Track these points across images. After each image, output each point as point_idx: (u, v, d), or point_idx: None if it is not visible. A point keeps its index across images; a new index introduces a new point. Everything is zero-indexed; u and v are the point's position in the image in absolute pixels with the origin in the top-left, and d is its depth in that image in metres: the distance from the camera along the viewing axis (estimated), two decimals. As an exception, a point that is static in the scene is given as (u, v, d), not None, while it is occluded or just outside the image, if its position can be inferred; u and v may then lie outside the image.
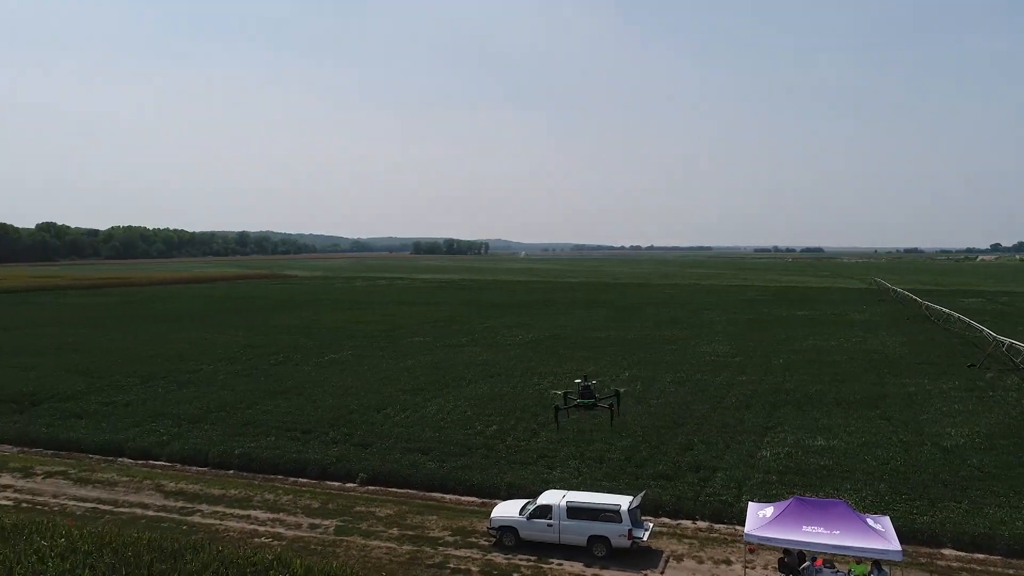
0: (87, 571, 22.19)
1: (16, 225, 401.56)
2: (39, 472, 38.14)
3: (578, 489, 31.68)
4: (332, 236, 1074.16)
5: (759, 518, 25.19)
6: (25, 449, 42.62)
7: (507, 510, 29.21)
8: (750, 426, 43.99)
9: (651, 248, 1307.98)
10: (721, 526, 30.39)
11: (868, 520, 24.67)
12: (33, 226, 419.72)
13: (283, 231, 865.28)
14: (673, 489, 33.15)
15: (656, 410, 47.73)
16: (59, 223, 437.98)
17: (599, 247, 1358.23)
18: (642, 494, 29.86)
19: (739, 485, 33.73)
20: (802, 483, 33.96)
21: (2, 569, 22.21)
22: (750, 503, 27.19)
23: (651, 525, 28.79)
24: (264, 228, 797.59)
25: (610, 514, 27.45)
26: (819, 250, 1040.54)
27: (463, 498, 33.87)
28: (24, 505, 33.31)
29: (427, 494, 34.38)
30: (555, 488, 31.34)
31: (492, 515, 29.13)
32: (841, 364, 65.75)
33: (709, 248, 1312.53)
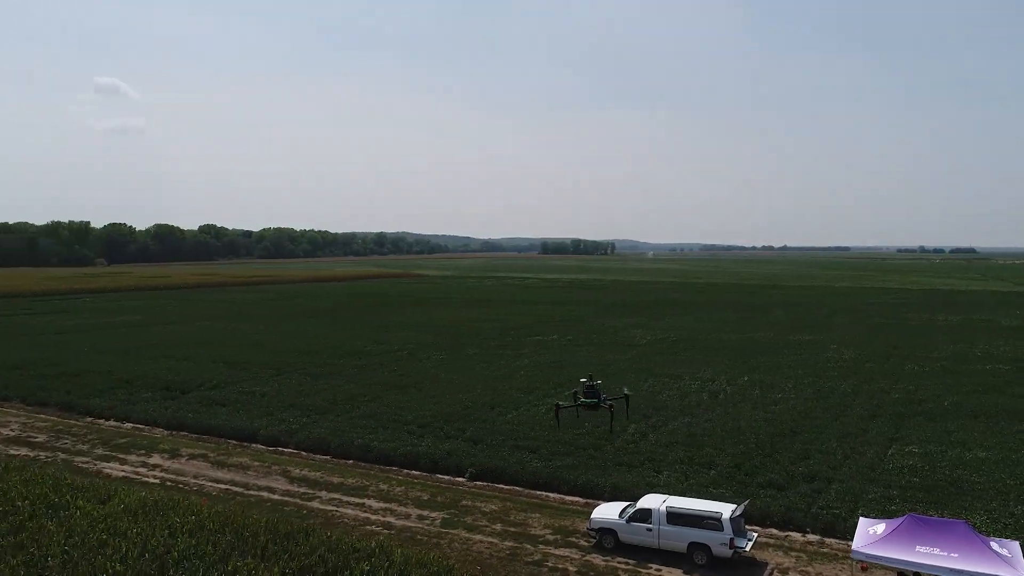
0: (209, 548, 23.75)
1: (182, 227, 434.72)
2: (184, 454, 41.06)
3: (683, 494, 30.94)
4: (463, 236, 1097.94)
5: (869, 535, 23.73)
6: (174, 432, 45.92)
7: (607, 512, 28.91)
8: (874, 437, 41.51)
9: (784, 248, 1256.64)
10: (832, 540, 28.80)
11: (992, 544, 22.72)
12: (196, 228, 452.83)
13: (418, 232, 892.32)
14: (783, 499, 31.73)
15: (773, 416, 45.90)
16: (218, 225, 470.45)
17: (730, 247, 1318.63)
18: (745, 503, 28.78)
19: (855, 499, 31.86)
20: (926, 500, 31.68)
21: (138, 542, 24.10)
22: (861, 518, 25.66)
23: (755, 535, 27.69)
24: (400, 229, 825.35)
25: (711, 521, 26.62)
26: (971, 251, 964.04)
27: (567, 497, 33.79)
28: (168, 484, 35.95)
29: (532, 492, 34.53)
30: (658, 492, 30.72)
31: (592, 516, 28.92)
32: (984, 373, 60.88)
33: (847, 248, 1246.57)
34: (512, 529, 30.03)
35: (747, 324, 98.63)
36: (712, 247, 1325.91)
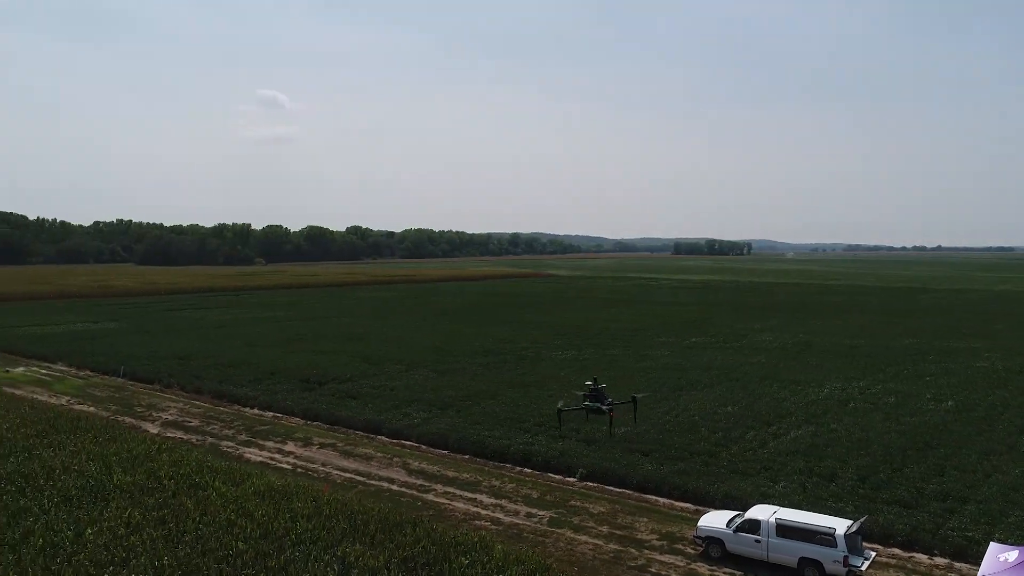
0: (324, 532, 24.90)
1: (331, 229, 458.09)
2: (316, 443, 43.19)
3: (799, 507, 29.42)
4: (596, 237, 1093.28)
5: (999, 562, 21.67)
6: (309, 422, 48.39)
7: (714, 520, 27.94)
8: (1022, 455, 37.90)
9: (938, 249, 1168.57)
10: (963, 566, 26.50)
11: None
12: (344, 229, 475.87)
13: (551, 232, 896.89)
14: (910, 518, 29.51)
15: (907, 428, 42.84)
16: (364, 226, 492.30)
17: (876, 248, 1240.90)
18: (863, 519, 26.97)
19: (992, 521, 29.18)
20: (1075, 526, 28.58)
21: (262, 524, 25.60)
22: (991, 543, 23.46)
23: (873, 554, 25.93)
24: (535, 230, 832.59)
25: (824, 537, 25.15)
26: None
27: (677, 503, 32.93)
28: (299, 470, 37.93)
29: (641, 495, 33.90)
30: (770, 503, 29.37)
31: (699, 524, 28.05)
32: None
33: (1011, 249, 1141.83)
34: (618, 532, 29.61)
35: (888, 329, 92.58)
36: (856, 247, 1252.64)
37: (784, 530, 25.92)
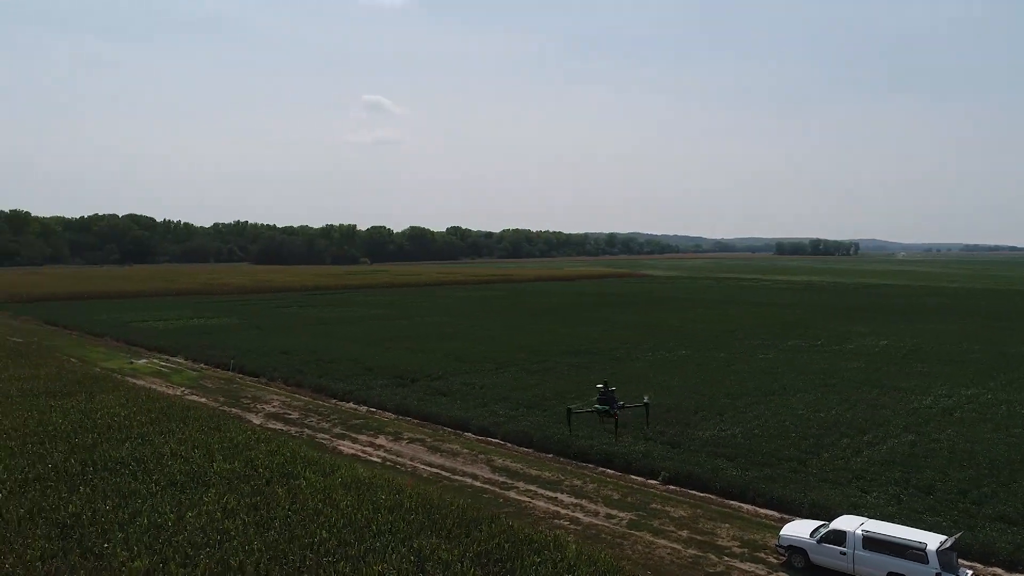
0: (403, 525, 25.42)
1: (432, 229, 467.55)
2: (405, 437, 44.14)
3: (891, 519, 27.89)
4: (695, 237, 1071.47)
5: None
6: (400, 417, 49.49)
7: (798, 529, 26.84)
8: None
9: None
10: (1073, 588, 24.52)
11: None
12: (444, 230, 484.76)
13: (649, 232, 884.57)
14: (1015, 535, 27.47)
15: (1018, 440, 39.97)
16: (463, 227, 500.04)
17: (996, 248, 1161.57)
18: (958, 535, 25.29)
19: (1110, 543, 26.83)
20: None
21: (346, 514, 26.38)
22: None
23: (970, 573, 24.25)
24: (632, 230, 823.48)
25: (915, 552, 23.73)
26: None
27: (761, 510, 31.81)
28: (387, 463, 38.85)
29: (724, 501, 32.94)
30: (862, 514, 27.95)
31: (782, 532, 27.01)
32: None
33: None
34: (698, 537, 28.89)
35: (1005, 335, 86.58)
36: (974, 248, 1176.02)
37: (871, 543, 24.63)
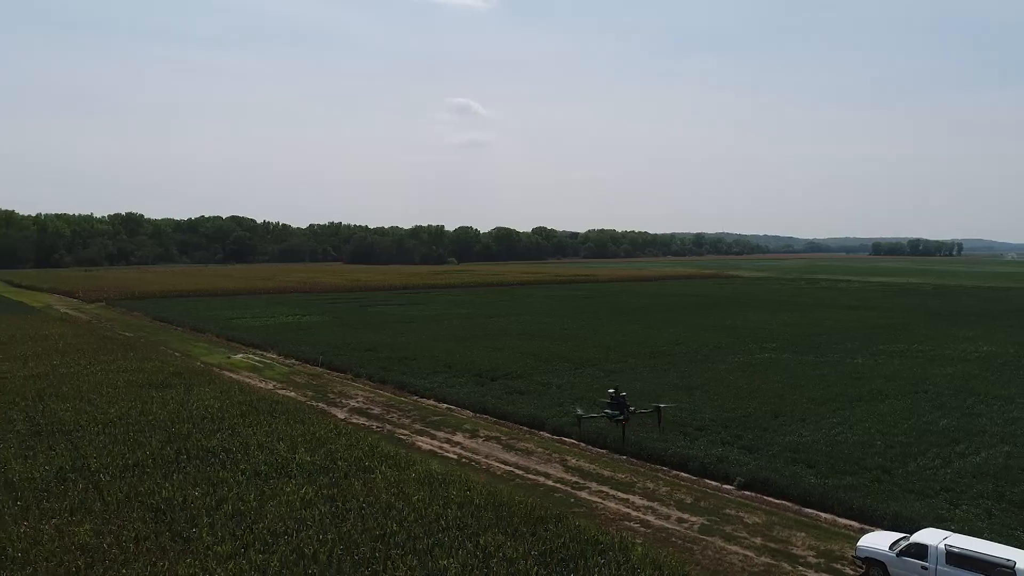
0: (472, 521, 25.70)
1: (518, 229, 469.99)
2: (482, 435, 44.55)
3: (979, 534, 26.30)
4: (786, 237, 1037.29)
5: None
6: (478, 415, 49.94)
7: (877, 541, 25.66)
8: None
9: None
10: None
11: None
12: (530, 230, 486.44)
13: (738, 232, 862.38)
14: (1121, 557, 25.45)
15: None
16: (548, 227, 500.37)
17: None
18: (1052, 554, 23.59)
19: None
20: None
21: (418, 508, 26.88)
22: None
23: (1065, 595, 22.61)
24: (721, 230, 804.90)
25: (1004, 570, 22.29)
26: None
27: (840, 520, 30.56)
28: (463, 460, 39.29)
29: (802, 509, 31.81)
30: (942, 527, 26.48)
31: (859, 544, 25.89)
32: None
33: None
34: (772, 545, 28.03)
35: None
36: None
37: (955, 558, 23.30)
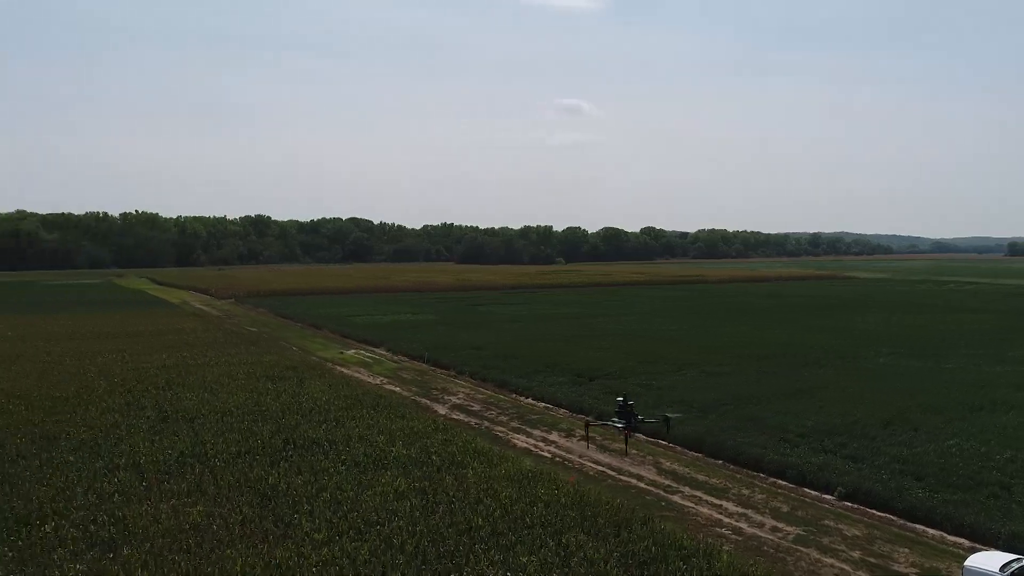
0: (556, 519, 25.71)
1: (626, 229, 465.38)
2: (577, 434, 44.33)
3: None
4: (909, 236, 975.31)
5: None
6: (575, 415, 49.49)
7: (985, 562, 23.75)
8: None
9: None
10: None
11: None
12: (638, 230, 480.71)
13: (858, 231, 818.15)
14: None
15: None
16: (657, 227, 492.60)
17: None
18: None
19: None
20: None
21: (505, 504, 27.14)
22: None
23: None
24: (839, 229, 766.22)
25: None
26: None
27: (948, 537, 28.49)
28: (556, 459, 39.28)
29: (907, 523, 29.86)
30: (1066, 551, 24.23)
31: (966, 563, 24.05)
32: None
33: None
34: (871, 560, 26.50)
35: None
36: None
37: (1075, 585, 21.29)
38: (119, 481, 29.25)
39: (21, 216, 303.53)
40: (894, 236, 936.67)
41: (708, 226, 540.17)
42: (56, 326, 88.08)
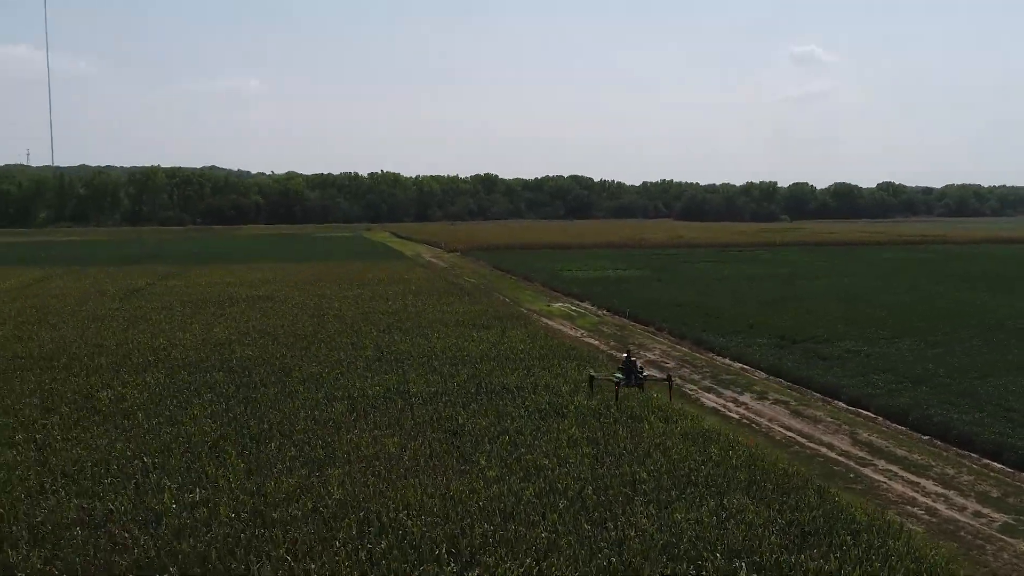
0: (721, 480, 24.96)
1: (860, 185, 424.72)
2: (770, 398, 42.29)
3: None
4: None
5: None
6: (771, 377, 47.26)
7: None
8: None
9: None
10: None
11: None
12: (874, 185, 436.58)
13: None
14: None
15: None
16: (896, 183, 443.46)
17: None
18: None
19: None
20: None
21: (672, 461, 26.80)
22: None
23: None
24: None
25: None
26: None
27: None
28: (744, 421, 37.74)
29: None
30: None
31: None
32: None
33: None
34: (1095, 561, 22.78)
35: None
36: None
37: None
38: (334, 411, 32.80)
39: (290, 176, 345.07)
40: None
41: (959, 181, 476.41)
42: (307, 273, 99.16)
